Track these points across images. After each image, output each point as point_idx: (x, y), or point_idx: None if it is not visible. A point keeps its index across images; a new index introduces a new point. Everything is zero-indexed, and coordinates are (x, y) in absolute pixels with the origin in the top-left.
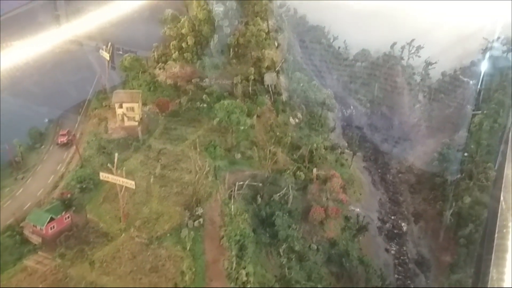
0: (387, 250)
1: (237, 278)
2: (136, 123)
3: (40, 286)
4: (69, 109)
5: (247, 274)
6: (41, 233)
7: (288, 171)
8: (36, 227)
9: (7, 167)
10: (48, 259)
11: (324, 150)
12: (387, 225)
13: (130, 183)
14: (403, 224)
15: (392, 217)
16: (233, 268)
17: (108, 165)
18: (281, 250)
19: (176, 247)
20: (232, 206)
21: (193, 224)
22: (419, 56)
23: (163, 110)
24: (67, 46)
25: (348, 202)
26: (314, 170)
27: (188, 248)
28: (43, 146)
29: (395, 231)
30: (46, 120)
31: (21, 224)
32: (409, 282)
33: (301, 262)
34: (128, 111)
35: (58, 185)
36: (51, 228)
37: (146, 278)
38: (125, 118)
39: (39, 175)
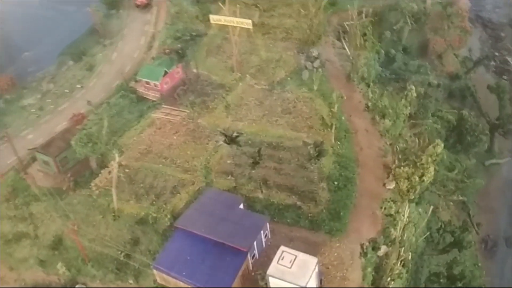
0: None
1: (378, 110)
2: None
3: (174, 138)
4: None
5: (385, 107)
6: (157, 89)
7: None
8: (149, 83)
9: (89, 34)
10: (176, 110)
11: None
12: (493, 62)
13: (247, 23)
14: (509, 58)
15: (497, 54)
16: (372, 99)
17: (219, 3)
18: (408, 85)
19: (302, 89)
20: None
21: (312, 66)
22: None
23: None
24: None
25: (472, 29)
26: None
27: (315, 88)
28: (121, 11)
29: (503, 67)
30: None
31: (130, 85)
32: None
33: (420, 100)
34: None
35: (152, 45)
36: (165, 84)
37: (282, 119)
38: None
39: (129, 38)
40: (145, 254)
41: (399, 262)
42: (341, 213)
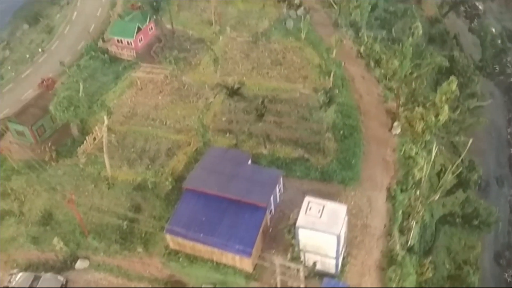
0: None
1: (372, 56)
2: None
3: (160, 98)
4: None
5: (377, 52)
6: (131, 47)
7: None
8: (122, 42)
9: None
10: (157, 68)
11: None
12: (462, 7)
13: None
14: (477, 3)
15: None
16: (367, 44)
17: None
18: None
19: (289, 38)
20: None
21: (296, 14)
22: None
23: None
24: None
25: None
26: None
27: (303, 37)
28: None
29: (473, 12)
30: None
31: (99, 45)
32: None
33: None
34: None
35: (116, 1)
36: (140, 41)
37: (273, 71)
38: None
39: None
40: (150, 221)
41: (420, 204)
42: (352, 162)
